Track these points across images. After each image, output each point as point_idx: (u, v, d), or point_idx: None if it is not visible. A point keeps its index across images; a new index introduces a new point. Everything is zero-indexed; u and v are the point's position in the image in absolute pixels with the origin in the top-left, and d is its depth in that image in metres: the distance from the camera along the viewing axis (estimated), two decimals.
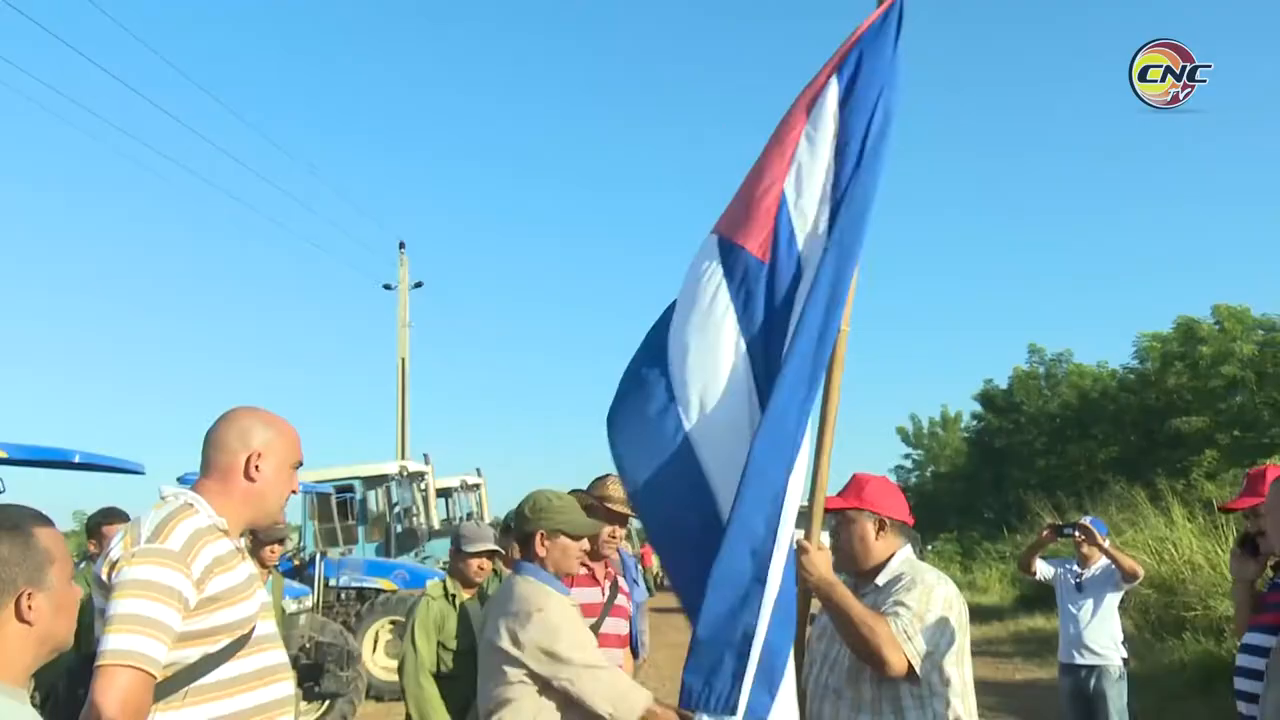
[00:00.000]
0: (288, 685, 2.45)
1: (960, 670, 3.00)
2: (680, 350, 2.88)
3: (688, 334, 2.88)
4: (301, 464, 2.57)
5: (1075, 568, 6.77)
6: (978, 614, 20.81)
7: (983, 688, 12.40)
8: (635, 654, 6.40)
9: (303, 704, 8.27)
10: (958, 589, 3.12)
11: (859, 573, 3.18)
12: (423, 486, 15.80)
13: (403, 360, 24.43)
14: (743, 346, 2.83)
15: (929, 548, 27.81)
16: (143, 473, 8.41)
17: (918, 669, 2.86)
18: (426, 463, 16.39)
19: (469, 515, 17.39)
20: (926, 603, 2.95)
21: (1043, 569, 7.07)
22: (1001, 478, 32.23)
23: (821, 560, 2.97)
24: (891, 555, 3.16)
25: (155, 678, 2.11)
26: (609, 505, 4.15)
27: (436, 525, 15.84)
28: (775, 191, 2.89)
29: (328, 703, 8.73)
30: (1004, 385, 34.70)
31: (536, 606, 3.13)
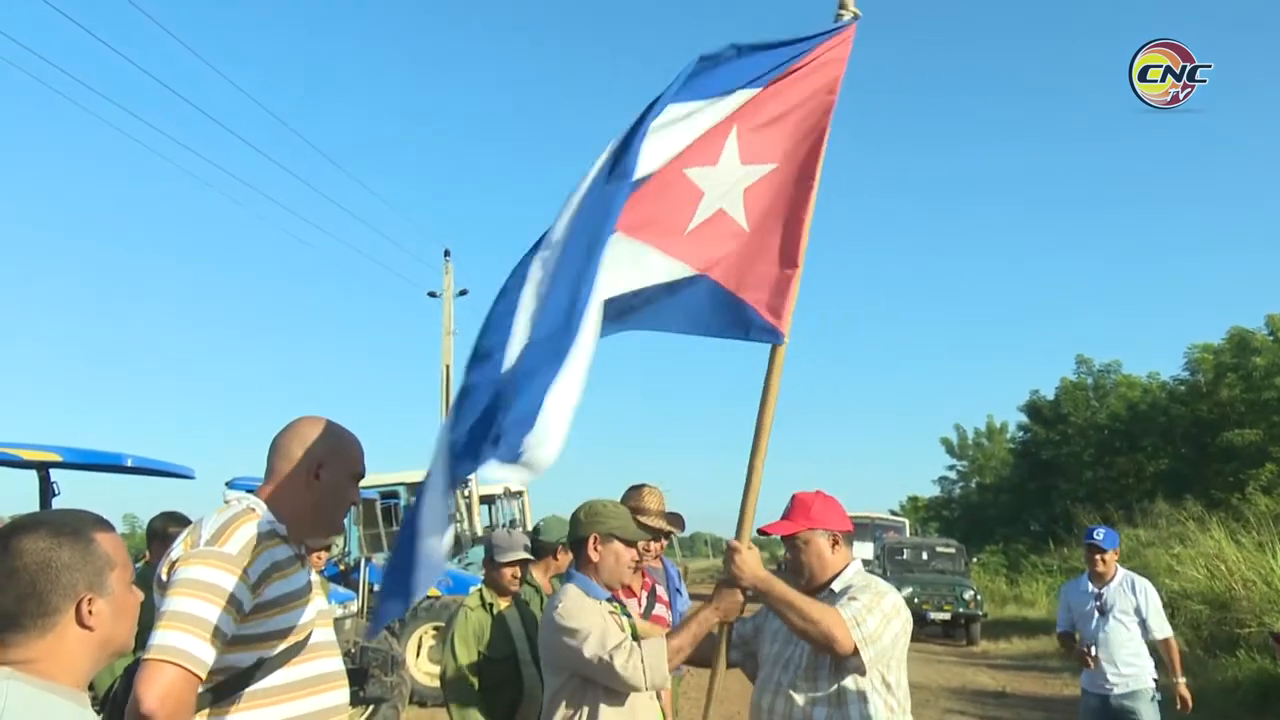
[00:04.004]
0: (342, 693, 2.47)
1: (900, 673, 3.15)
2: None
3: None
4: (363, 476, 2.59)
5: (1090, 587, 6.34)
6: (1024, 628, 20.54)
7: (1031, 702, 12.30)
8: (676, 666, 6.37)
9: (350, 710, 8.34)
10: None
11: (815, 587, 3.25)
12: (466, 493, 15.88)
13: (447, 368, 24.55)
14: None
15: (974, 560, 27.50)
16: (192, 477, 8.54)
17: (863, 652, 2.95)
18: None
19: (511, 522, 17.46)
20: (878, 602, 3.07)
21: (1062, 619, 6.63)
22: (1048, 490, 31.83)
23: (753, 559, 3.08)
24: (845, 566, 3.28)
25: (200, 678, 2.12)
26: (642, 519, 4.15)
27: (479, 532, 15.94)
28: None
29: (372, 707, 8.78)
30: (1051, 396, 34.31)
31: (569, 615, 3.15)
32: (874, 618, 3.02)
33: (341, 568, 13.05)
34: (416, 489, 2.53)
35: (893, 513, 34.67)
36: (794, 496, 3.37)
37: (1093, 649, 6.13)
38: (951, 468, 43.28)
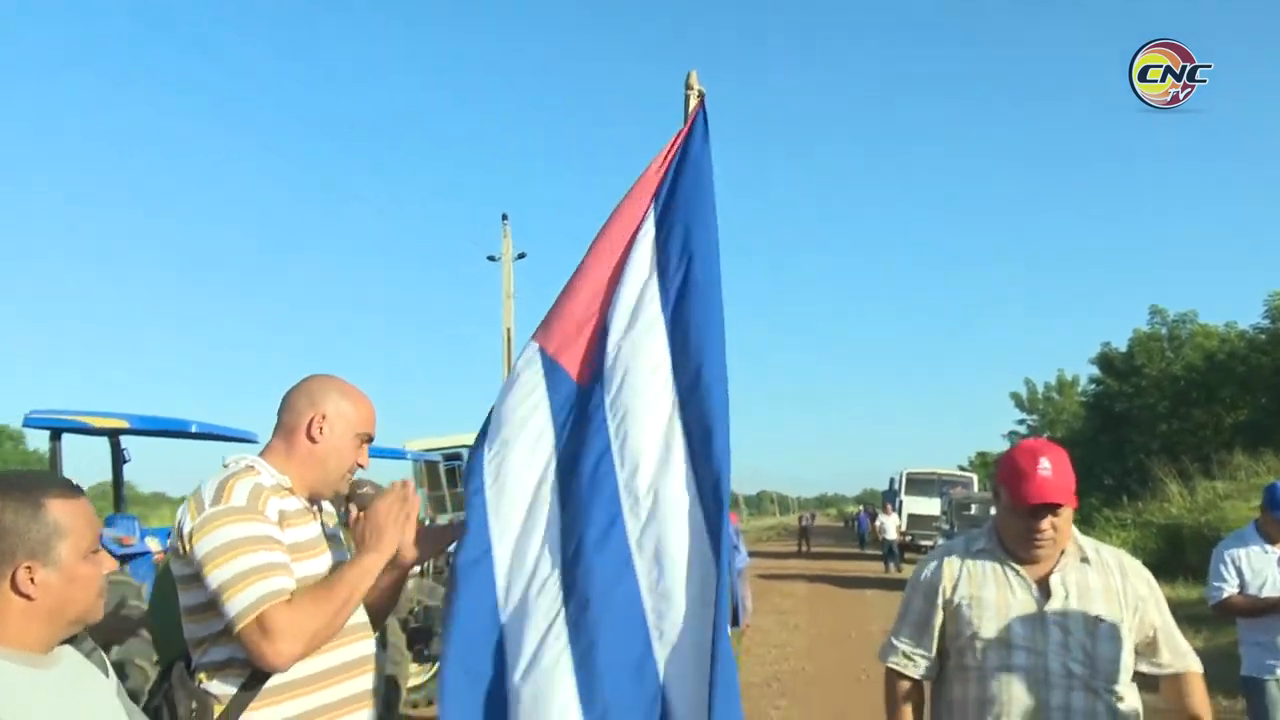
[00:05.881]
0: (368, 644, 2.45)
1: None
2: (495, 471, 2.68)
3: (507, 451, 2.70)
4: (372, 438, 2.54)
5: (1267, 548, 4.86)
6: None
7: None
8: (736, 621, 6.37)
9: (413, 666, 8.44)
10: None
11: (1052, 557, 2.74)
12: None
13: (508, 330, 24.69)
14: (553, 469, 2.68)
15: None
16: (256, 441, 8.64)
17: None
18: None
19: None
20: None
21: (1227, 583, 4.90)
22: (1122, 443, 31.22)
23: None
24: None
25: (290, 597, 2.16)
26: None
27: None
28: (596, 318, 2.84)
29: (437, 665, 8.89)
30: (1124, 348, 33.54)
31: None
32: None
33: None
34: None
35: (961, 469, 34.27)
36: (1051, 455, 2.66)
37: None
38: (1021, 422, 42.69)
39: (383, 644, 5.62)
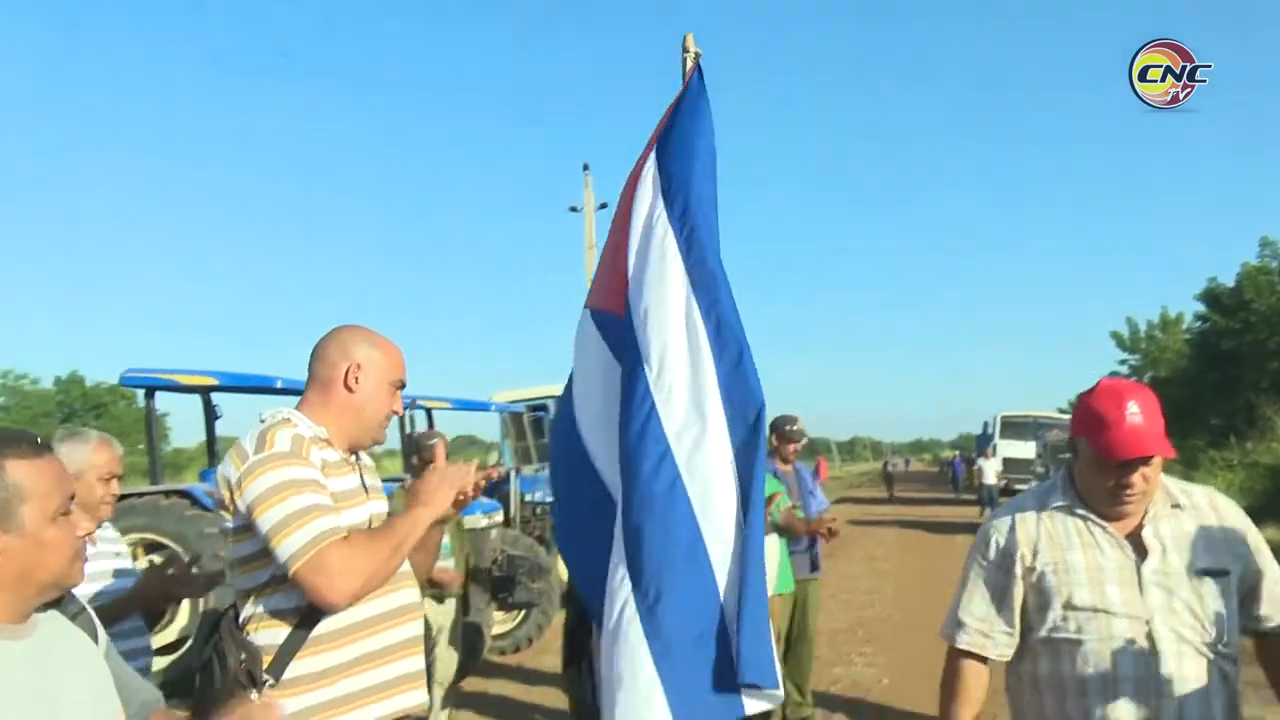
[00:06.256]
0: (412, 593, 2.48)
1: None
2: (590, 418, 3.08)
3: (591, 400, 3.09)
4: (404, 384, 2.56)
5: None
6: None
7: None
8: (816, 567, 6.31)
9: (498, 614, 8.58)
10: None
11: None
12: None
13: (590, 282, 24.70)
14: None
15: None
16: None
17: None
18: None
19: None
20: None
21: None
22: (1229, 381, 30.06)
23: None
24: None
25: (346, 535, 2.21)
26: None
27: None
28: (623, 254, 3.09)
29: (523, 613, 9.02)
30: (1231, 283, 32.16)
31: None
32: None
33: (494, 478, 13.37)
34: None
35: (1060, 411, 33.41)
36: (1139, 398, 2.37)
37: None
38: (1123, 362, 41.32)
39: (465, 593, 5.73)
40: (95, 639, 1.83)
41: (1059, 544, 2.40)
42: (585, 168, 25.58)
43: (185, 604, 6.73)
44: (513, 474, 12.34)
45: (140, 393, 8.62)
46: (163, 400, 8.99)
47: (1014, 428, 30.25)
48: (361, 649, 2.31)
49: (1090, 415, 2.37)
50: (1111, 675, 2.28)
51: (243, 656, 2.25)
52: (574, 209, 25.40)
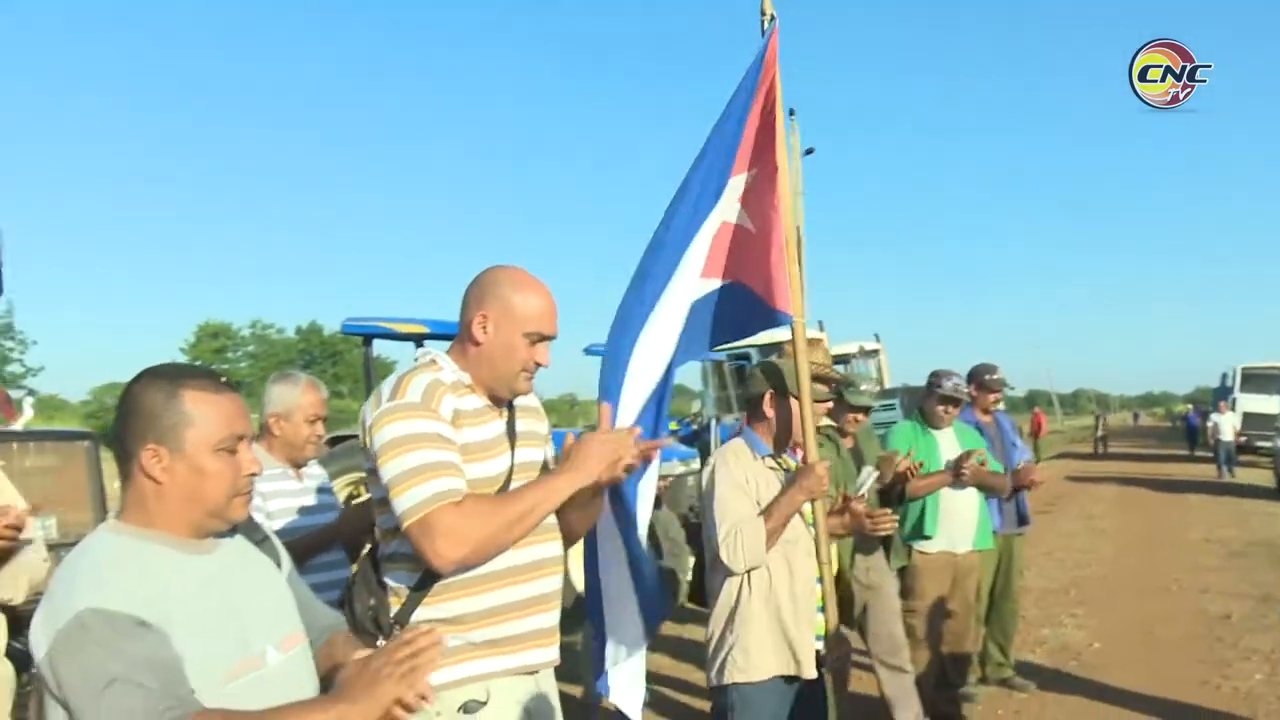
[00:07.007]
0: (553, 546, 2.40)
1: None
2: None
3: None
4: (547, 337, 2.36)
5: None
6: None
7: None
8: (1026, 520, 6.02)
9: (691, 560, 8.64)
10: None
11: None
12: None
13: (797, 229, 24.22)
14: None
15: None
16: None
17: None
18: (820, 330, 16.35)
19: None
20: None
21: None
22: None
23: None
24: None
25: (461, 499, 2.14)
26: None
27: None
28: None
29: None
30: None
31: (719, 462, 3.37)
32: None
33: (695, 427, 13.52)
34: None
35: None
36: None
37: None
38: None
39: (655, 538, 5.82)
40: (279, 565, 1.91)
41: None
42: (791, 113, 24.87)
43: None
44: (713, 423, 12.42)
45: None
46: (389, 348, 9.48)
47: (1257, 380, 27.84)
48: (495, 599, 2.25)
49: None
50: None
51: (371, 603, 2.28)
52: (810, 151, 24.97)
